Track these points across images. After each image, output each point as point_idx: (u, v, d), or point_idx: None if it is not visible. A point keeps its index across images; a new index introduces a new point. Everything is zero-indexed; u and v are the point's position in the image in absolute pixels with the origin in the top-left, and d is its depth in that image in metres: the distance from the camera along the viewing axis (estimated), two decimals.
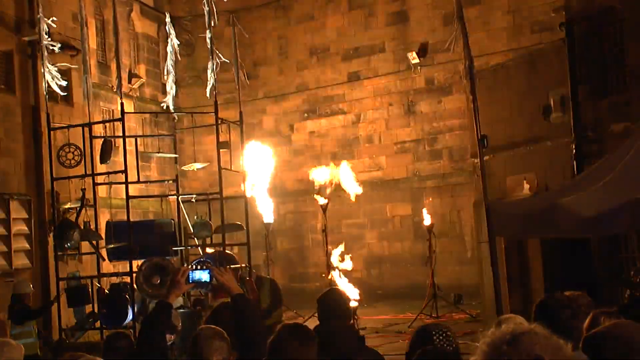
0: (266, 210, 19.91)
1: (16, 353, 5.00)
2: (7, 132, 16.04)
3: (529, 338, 2.43)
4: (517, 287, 14.92)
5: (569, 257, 12.58)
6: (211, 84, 12.87)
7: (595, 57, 13.42)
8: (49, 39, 13.77)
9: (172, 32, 14.41)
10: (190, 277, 5.08)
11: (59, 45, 15.04)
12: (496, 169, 15.27)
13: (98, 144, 13.85)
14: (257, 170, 18.66)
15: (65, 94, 14.30)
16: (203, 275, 5.10)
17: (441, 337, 4.63)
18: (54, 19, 14.04)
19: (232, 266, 13.06)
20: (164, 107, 14.71)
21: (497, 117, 15.33)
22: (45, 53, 13.31)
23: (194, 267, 9.74)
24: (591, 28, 13.45)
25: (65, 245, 13.45)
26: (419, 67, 22.67)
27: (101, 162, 13.72)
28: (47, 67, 13.18)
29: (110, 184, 13.99)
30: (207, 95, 12.89)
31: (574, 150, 13.19)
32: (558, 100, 13.66)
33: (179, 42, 14.36)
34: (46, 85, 13.27)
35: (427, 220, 19.23)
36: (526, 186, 14.44)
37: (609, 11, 13.13)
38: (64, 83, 13.58)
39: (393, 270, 22.61)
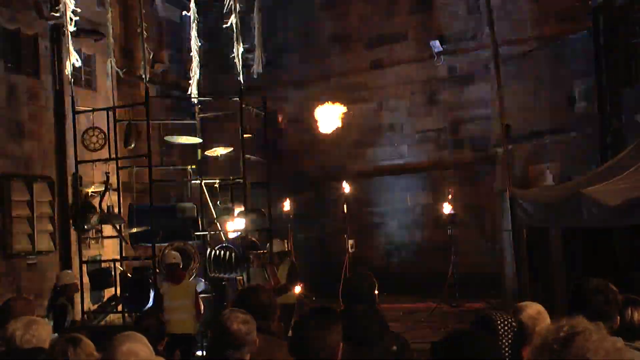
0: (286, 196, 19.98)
1: (44, 330, 4.98)
2: (31, 116, 16.13)
3: (583, 340, 2.34)
4: (539, 276, 14.91)
5: (591, 246, 12.53)
6: (239, 69, 12.88)
7: (621, 46, 13.33)
8: (73, 24, 13.80)
9: (196, 17, 14.43)
10: None
11: (83, 29, 15.06)
12: (519, 158, 15.23)
13: (122, 128, 13.91)
14: None
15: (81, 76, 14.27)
16: None
17: (506, 328, 4.46)
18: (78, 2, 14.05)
19: (255, 252, 13.15)
20: (188, 93, 14.75)
21: (521, 107, 15.28)
22: (69, 37, 13.34)
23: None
24: (617, 17, 13.36)
25: (83, 228, 13.54)
26: (441, 56, 22.55)
27: (125, 146, 13.79)
28: (70, 51, 13.21)
29: (133, 167, 14.04)
30: (240, 79, 12.88)
31: (599, 140, 13.13)
32: (583, 90, 13.61)
33: (202, 28, 14.38)
34: (71, 69, 13.31)
35: (447, 209, 19.20)
36: (549, 176, 14.39)
37: (634, 0, 13.04)
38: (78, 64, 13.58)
39: (414, 258, 22.56)
